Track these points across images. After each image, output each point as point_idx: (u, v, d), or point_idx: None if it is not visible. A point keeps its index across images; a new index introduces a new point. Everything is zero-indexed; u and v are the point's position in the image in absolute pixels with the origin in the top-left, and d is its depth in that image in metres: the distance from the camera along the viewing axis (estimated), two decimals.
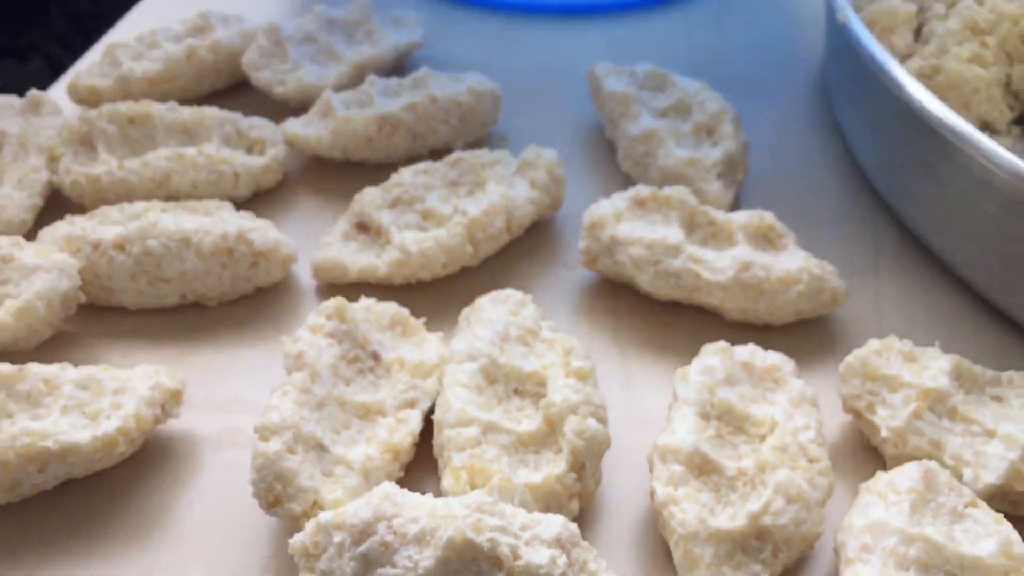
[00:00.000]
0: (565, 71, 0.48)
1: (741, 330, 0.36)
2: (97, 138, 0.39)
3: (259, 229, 0.36)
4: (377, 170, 0.42)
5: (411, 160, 0.42)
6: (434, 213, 0.37)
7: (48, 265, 0.34)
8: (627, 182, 0.42)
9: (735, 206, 0.41)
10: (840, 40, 0.38)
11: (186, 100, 0.44)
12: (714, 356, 0.32)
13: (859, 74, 0.37)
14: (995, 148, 0.32)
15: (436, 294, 0.37)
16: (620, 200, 0.37)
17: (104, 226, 0.36)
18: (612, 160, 0.43)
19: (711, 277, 0.35)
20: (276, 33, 0.44)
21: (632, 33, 0.51)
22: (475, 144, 0.43)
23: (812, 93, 0.47)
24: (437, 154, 0.42)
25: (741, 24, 0.52)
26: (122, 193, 0.38)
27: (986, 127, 0.43)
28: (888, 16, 0.43)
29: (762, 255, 0.36)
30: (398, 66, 0.46)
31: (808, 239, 0.39)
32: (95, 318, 0.36)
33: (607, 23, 0.51)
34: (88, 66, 0.45)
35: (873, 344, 0.32)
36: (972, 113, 0.43)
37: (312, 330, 0.32)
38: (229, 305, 0.37)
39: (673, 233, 0.36)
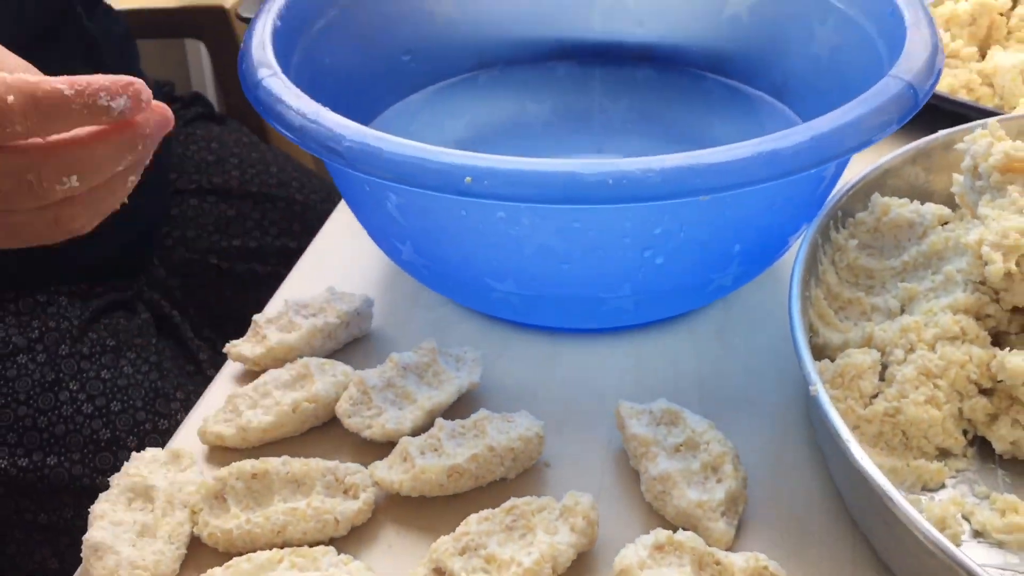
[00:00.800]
0: (597, 387, 0.59)
1: None
2: (228, 493, 0.50)
3: None
4: (446, 502, 0.52)
5: (473, 489, 0.52)
6: (495, 558, 0.47)
7: None
8: (650, 509, 0.52)
9: (737, 533, 0.50)
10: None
11: (291, 439, 0.56)
12: None
13: (827, 432, 0.47)
14: (934, 533, 0.41)
15: None
16: (642, 548, 0.46)
17: None
18: (637, 484, 0.53)
19: None
20: (363, 384, 0.55)
21: (650, 347, 0.62)
22: (524, 472, 0.54)
23: (800, 408, 0.57)
24: (493, 484, 0.53)
25: (739, 339, 0.62)
26: (248, 541, 0.49)
27: (944, 453, 0.53)
28: (854, 367, 0.53)
29: None
30: (461, 396, 0.57)
31: (795, 566, 0.48)
32: None
33: (631, 339, 0.62)
34: (214, 413, 0.56)
35: None
36: (931, 443, 0.52)
37: None
38: None
39: None
